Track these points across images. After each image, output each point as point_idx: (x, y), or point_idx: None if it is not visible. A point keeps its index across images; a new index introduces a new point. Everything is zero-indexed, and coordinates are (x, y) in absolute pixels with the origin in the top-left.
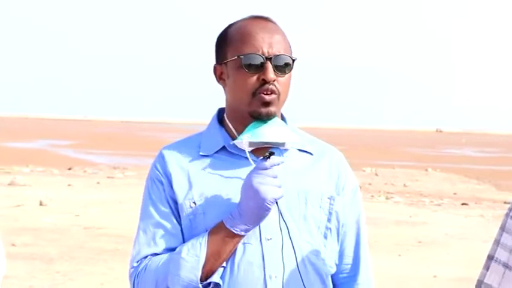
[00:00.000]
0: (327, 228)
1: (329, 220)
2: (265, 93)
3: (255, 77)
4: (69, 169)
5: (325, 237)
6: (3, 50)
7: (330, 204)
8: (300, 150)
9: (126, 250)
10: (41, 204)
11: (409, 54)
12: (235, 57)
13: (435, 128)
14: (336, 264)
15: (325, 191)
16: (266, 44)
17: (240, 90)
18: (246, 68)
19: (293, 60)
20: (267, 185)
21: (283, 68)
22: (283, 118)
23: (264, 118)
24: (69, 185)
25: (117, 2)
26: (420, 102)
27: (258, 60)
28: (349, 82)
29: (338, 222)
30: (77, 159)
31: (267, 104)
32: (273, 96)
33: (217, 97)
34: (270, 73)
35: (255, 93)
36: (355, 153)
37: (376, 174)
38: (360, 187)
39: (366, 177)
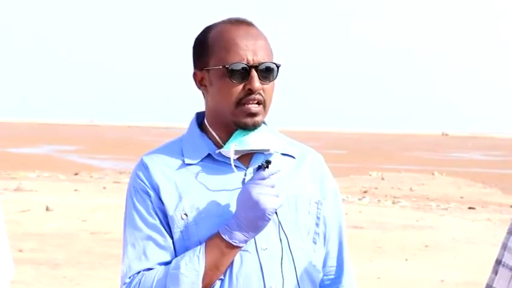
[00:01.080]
0: (315, 233)
1: (317, 225)
2: (251, 103)
3: (240, 86)
4: (76, 174)
5: (314, 243)
6: (8, 54)
7: (318, 209)
8: (282, 154)
9: None
10: (47, 209)
11: (414, 57)
12: (220, 66)
13: (441, 132)
14: (321, 268)
15: (313, 195)
16: (250, 52)
17: (224, 99)
18: (231, 77)
19: (278, 67)
20: (266, 195)
21: (268, 75)
22: (263, 122)
23: (250, 128)
24: (75, 190)
25: (123, 6)
26: (425, 105)
27: (243, 69)
28: (354, 85)
29: (325, 226)
30: (83, 164)
31: (253, 114)
32: (259, 107)
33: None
34: (256, 82)
35: (239, 103)
36: (361, 157)
37: (382, 179)
38: (367, 191)
39: (372, 182)
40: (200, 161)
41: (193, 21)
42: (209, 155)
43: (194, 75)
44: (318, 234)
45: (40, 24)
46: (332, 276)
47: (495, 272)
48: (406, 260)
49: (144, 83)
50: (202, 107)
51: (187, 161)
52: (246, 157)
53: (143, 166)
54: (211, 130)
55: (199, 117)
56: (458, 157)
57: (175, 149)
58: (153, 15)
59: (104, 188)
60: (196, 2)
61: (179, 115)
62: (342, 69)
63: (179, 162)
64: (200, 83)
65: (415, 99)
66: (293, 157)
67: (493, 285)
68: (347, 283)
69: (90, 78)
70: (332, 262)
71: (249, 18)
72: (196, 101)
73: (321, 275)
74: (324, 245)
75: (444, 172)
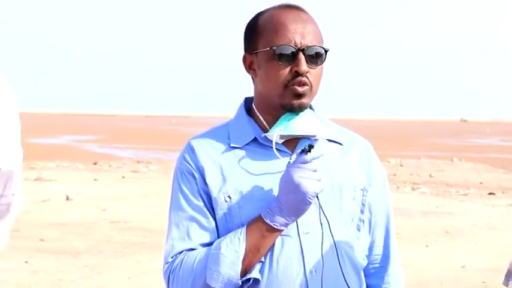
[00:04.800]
0: (360, 220)
1: (362, 212)
2: (297, 85)
3: (287, 69)
4: (95, 164)
5: (358, 230)
6: (28, 45)
7: (363, 195)
8: (329, 140)
9: (153, 243)
10: (67, 198)
11: (432, 43)
12: (268, 49)
13: (459, 118)
14: (367, 255)
15: (358, 182)
16: (299, 35)
17: (271, 82)
18: (279, 59)
19: (326, 51)
20: (308, 179)
21: (316, 59)
22: (311, 108)
23: (296, 110)
24: (94, 179)
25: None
26: (444, 92)
27: (291, 51)
28: (372, 72)
29: (370, 213)
30: (101, 154)
31: (300, 96)
32: (306, 87)
33: (238, 91)
34: (303, 65)
35: (287, 85)
36: (380, 144)
37: (401, 165)
38: None
39: (391, 168)
40: (246, 144)
41: (209, 14)
42: (255, 139)
43: (244, 59)
44: (363, 221)
45: (59, 15)
46: (377, 265)
47: None
48: (427, 246)
49: (162, 73)
50: (222, 98)
51: (233, 144)
52: (292, 142)
53: (190, 149)
54: (258, 114)
55: (247, 102)
56: (478, 143)
57: (222, 133)
58: (170, 6)
59: (123, 177)
60: None
61: (197, 104)
62: (359, 57)
63: (225, 145)
64: (249, 66)
65: (434, 86)
66: (340, 144)
67: None
68: (393, 272)
69: (109, 68)
70: (378, 251)
71: (301, 4)
72: (216, 91)
73: (365, 262)
74: (369, 232)
75: (463, 158)
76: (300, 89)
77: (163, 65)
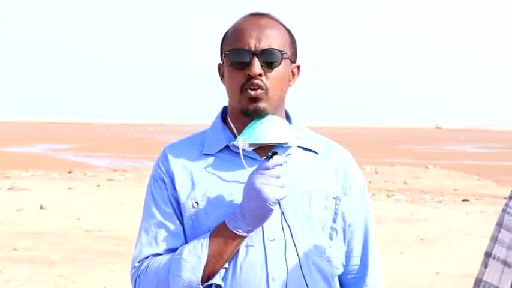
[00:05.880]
0: (332, 228)
1: (334, 221)
2: (251, 88)
3: (242, 73)
4: (69, 172)
5: (331, 238)
6: (0, 53)
7: (336, 204)
8: (304, 149)
9: (128, 252)
10: (41, 208)
11: (406, 50)
12: (224, 55)
13: (434, 125)
14: (344, 265)
15: (331, 191)
16: (254, 39)
17: (231, 87)
18: (233, 63)
19: (282, 54)
20: (270, 186)
21: (271, 62)
22: (288, 116)
23: (253, 115)
24: (69, 188)
25: (116, 5)
26: (419, 99)
27: (243, 55)
28: (345, 79)
29: (344, 222)
30: (76, 163)
31: (254, 99)
32: (260, 91)
33: (214, 99)
34: (256, 68)
35: (242, 89)
36: (354, 151)
37: (376, 172)
38: None
39: (366, 176)
40: (218, 152)
41: (185, 22)
42: (227, 147)
43: (218, 68)
44: (336, 230)
45: (33, 25)
46: (355, 275)
47: (485, 264)
48: (401, 253)
49: (137, 80)
50: (198, 106)
51: (205, 151)
52: (264, 149)
53: (164, 156)
54: (230, 122)
55: (225, 111)
56: (452, 150)
57: (198, 140)
58: (146, 14)
59: (98, 185)
60: (189, 3)
61: (173, 112)
62: (333, 64)
63: (198, 152)
64: (222, 75)
65: (409, 93)
66: (316, 152)
67: (483, 279)
68: (371, 282)
69: (83, 76)
70: (355, 261)
71: (272, 12)
72: (191, 99)
73: (340, 271)
74: (344, 241)
75: (438, 165)
76: (252, 93)
77: (139, 72)
